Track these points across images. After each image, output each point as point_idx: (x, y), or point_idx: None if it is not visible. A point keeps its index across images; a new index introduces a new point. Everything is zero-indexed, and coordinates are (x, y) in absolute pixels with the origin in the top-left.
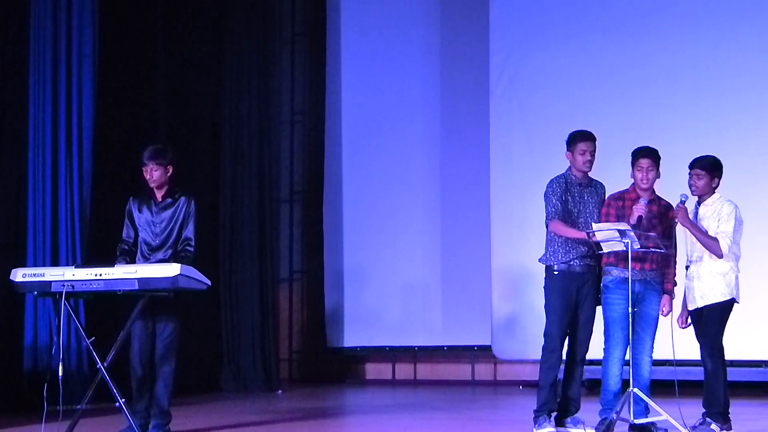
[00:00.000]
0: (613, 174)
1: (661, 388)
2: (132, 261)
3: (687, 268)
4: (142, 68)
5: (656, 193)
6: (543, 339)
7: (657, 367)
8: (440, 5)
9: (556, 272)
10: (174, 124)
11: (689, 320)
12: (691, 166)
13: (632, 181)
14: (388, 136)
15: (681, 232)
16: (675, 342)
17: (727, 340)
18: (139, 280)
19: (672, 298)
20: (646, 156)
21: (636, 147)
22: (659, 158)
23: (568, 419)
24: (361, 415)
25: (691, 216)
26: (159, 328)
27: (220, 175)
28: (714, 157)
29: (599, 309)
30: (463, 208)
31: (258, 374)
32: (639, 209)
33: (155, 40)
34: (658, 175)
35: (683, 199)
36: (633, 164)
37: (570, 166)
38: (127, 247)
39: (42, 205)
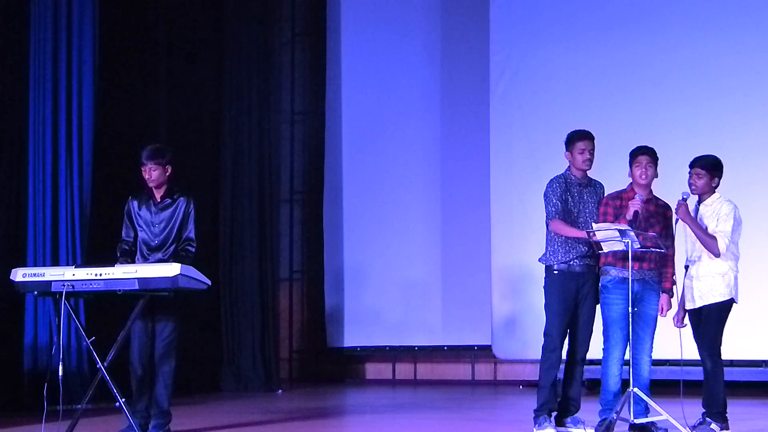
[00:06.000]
0: (613, 174)
1: (661, 388)
2: (132, 261)
3: (686, 267)
4: (143, 68)
5: (653, 193)
6: (543, 339)
7: (657, 366)
8: (441, 5)
9: (555, 272)
10: (174, 124)
11: (686, 320)
12: (692, 165)
13: (630, 181)
14: (389, 136)
15: (680, 232)
16: (681, 342)
17: (727, 340)
18: (139, 279)
19: (671, 297)
20: (645, 153)
21: (633, 147)
22: (657, 158)
23: (568, 419)
24: (361, 415)
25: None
26: (159, 328)
27: (220, 175)
28: (715, 156)
29: (599, 309)
30: (463, 208)
31: (258, 374)
32: (635, 204)
33: (155, 40)
34: (655, 175)
35: (684, 196)
36: (631, 163)
37: (569, 166)
38: (127, 247)
39: (42, 205)
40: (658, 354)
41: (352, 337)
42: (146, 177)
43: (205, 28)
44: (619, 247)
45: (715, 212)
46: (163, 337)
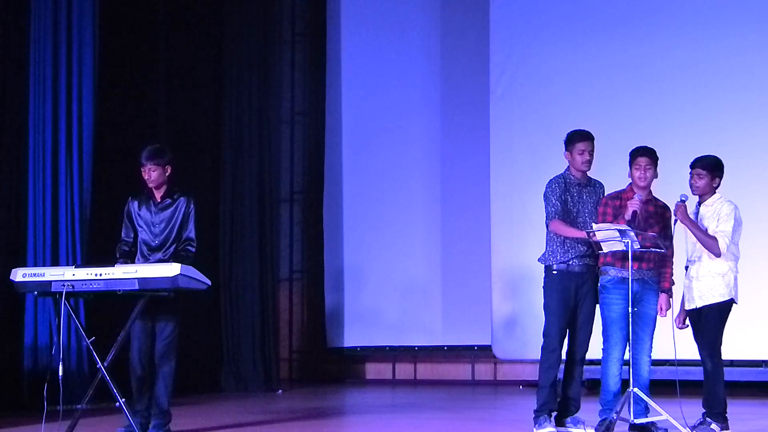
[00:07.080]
0: (612, 174)
1: (661, 388)
2: (132, 262)
3: (686, 268)
4: (143, 68)
5: (653, 194)
6: (542, 339)
7: (657, 366)
8: (440, 5)
9: (555, 272)
10: (174, 124)
11: (687, 321)
12: (692, 165)
13: (629, 181)
14: (389, 136)
15: (681, 232)
16: (675, 342)
17: (727, 340)
18: (139, 279)
19: (669, 297)
20: (644, 154)
21: (634, 147)
22: (657, 159)
23: (568, 419)
24: (361, 415)
25: (691, 216)
26: (159, 328)
27: (220, 175)
28: (715, 157)
29: (598, 309)
30: (463, 208)
31: (258, 374)
32: (633, 204)
33: (155, 40)
34: (655, 176)
35: (683, 198)
36: (631, 163)
37: (569, 166)
38: (127, 248)
39: (42, 205)
40: (657, 354)
41: (352, 337)
42: (146, 177)
43: (205, 28)
44: (619, 247)
45: (715, 212)
46: (163, 337)
